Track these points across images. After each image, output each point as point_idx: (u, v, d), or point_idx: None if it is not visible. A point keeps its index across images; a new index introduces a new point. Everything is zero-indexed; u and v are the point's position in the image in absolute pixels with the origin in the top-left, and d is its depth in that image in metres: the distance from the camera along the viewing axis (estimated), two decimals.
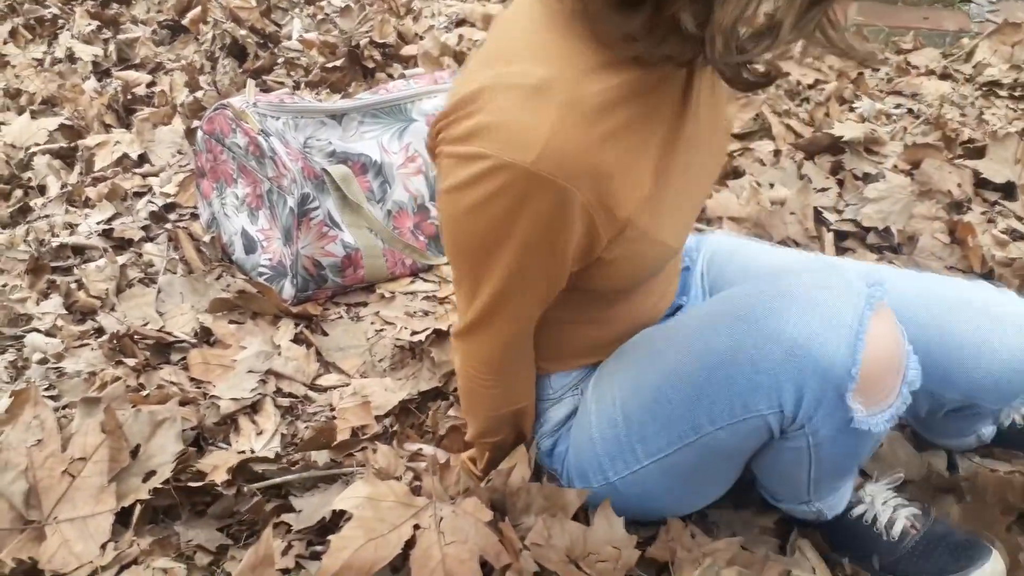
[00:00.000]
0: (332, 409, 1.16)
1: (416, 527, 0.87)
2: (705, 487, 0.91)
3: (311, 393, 1.20)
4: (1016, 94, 2.16)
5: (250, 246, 1.44)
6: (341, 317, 1.39)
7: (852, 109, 2.05)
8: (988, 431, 1.06)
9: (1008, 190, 1.69)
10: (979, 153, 1.76)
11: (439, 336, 1.27)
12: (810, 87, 2.19)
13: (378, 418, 1.13)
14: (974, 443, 1.07)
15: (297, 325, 1.34)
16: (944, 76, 2.27)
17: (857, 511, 0.91)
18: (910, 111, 2.07)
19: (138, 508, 0.94)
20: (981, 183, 1.70)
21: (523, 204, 0.67)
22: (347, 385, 1.22)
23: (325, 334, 1.34)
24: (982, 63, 2.31)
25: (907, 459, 1.05)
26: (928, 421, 1.04)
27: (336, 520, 0.93)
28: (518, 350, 0.85)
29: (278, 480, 1.00)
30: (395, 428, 1.13)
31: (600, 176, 0.67)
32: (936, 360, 0.86)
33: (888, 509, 0.90)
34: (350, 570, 0.82)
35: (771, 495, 0.94)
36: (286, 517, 0.95)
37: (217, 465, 0.99)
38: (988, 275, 1.41)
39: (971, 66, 2.33)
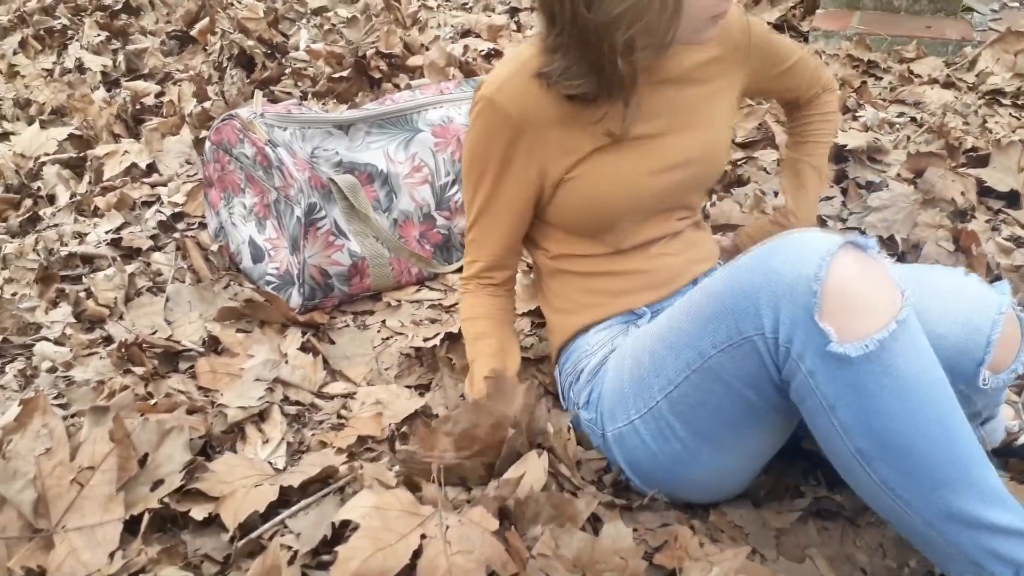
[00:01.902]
0: (340, 417, 1.17)
1: (423, 536, 0.87)
2: (713, 437, 0.92)
3: (318, 401, 1.21)
4: (1019, 102, 2.16)
5: (257, 255, 1.45)
6: (348, 325, 1.40)
7: (855, 118, 2.05)
8: (993, 434, 1.06)
9: (1012, 198, 1.69)
10: (982, 161, 1.76)
11: (453, 340, 1.28)
12: None
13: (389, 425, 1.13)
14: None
15: (304, 334, 1.34)
16: (947, 85, 2.28)
17: None
18: (913, 120, 2.08)
19: (146, 517, 0.94)
20: (985, 191, 1.70)
21: (491, 125, 1.00)
22: (353, 395, 1.22)
23: (332, 342, 1.35)
24: (985, 72, 2.32)
25: None
26: None
27: (340, 531, 0.93)
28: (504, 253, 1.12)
29: (278, 519, 0.97)
30: (403, 430, 1.13)
31: (545, 120, 0.99)
32: None
33: None
34: None
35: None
36: (289, 540, 0.94)
37: (224, 493, 0.97)
38: (995, 282, 1.41)
39: (974, 75, 2.34)
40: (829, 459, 0.84)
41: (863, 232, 1.57)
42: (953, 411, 0.78)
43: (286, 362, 1.25)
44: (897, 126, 2.03)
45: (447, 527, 0.88)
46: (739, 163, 1.79)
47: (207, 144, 1.51)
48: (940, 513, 0.77)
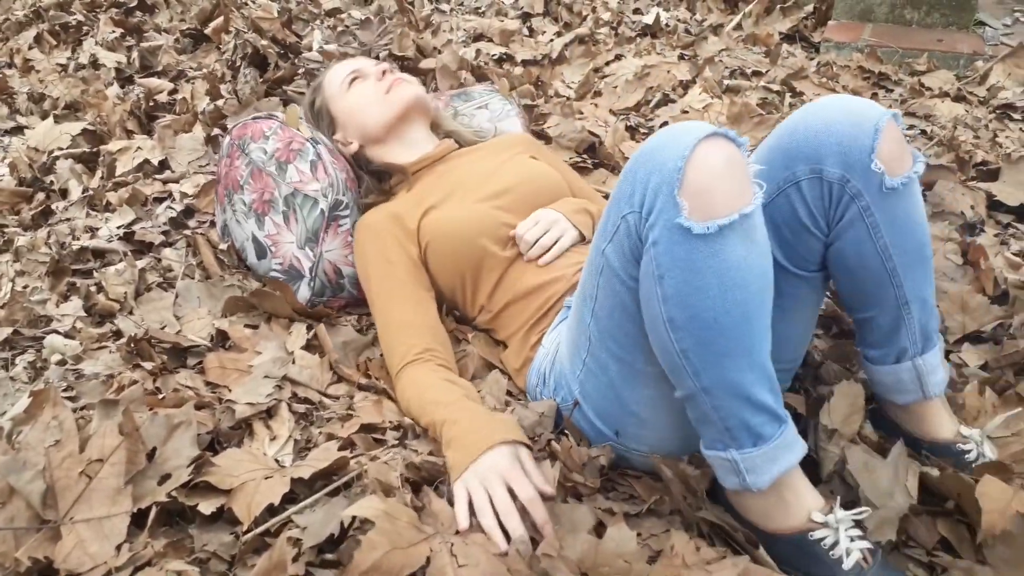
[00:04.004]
0: (348, 415, 1.17)
1: (430, 549, 0.88)
2: (637, 343, 0.97)
3: (326, 400, 1.21)
4: None
5: (260, 252, 1.46)
6: (346, 326, 1.40)
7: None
8: (934, 374, 1.06)
9: (1021, 213, 1.69)
10: (992, 175, 1.77)
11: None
12: None
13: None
14: (917, 391, 1.06)
15: (310, 328, 1.34)
16: (958, 98, 2.28)
17: (819, 534, 0.92)
18: (924, 132, 2.08)
19: (154, 510, 0.95)
20: (994, 205, 1.71)
21: (359, 242, 1.37)
22: (354, 395, 1.23)
23: (337, 338, 1.35)
24: (996, 86, 2.32)
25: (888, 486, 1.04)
26: (859, 336, 1.10)
27: (346, 530, 0.93)
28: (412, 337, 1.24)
29: (285, 515, 0.98)
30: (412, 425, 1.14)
31: (385, 219, 1.35)
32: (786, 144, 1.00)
33: (847, 539, 0.91)
34: (379, 570, 0.83)
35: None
36: (295, 532, 0.95)
37: (233, 486, 0.98)
38: (1002, 297, 1.42)
39: (985, 88, 2.34)
40: (645, 323, 0.93)
41: None
42: (761, 306, 0.89)
43: (293, 362, 1.26)
44: (907, 139, 2.03)
45: (452, 543, 0.89)
46: None
47: (226, 139, 1.52)
48: (717, 379, 0.89)
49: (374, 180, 1.49)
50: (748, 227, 0.87)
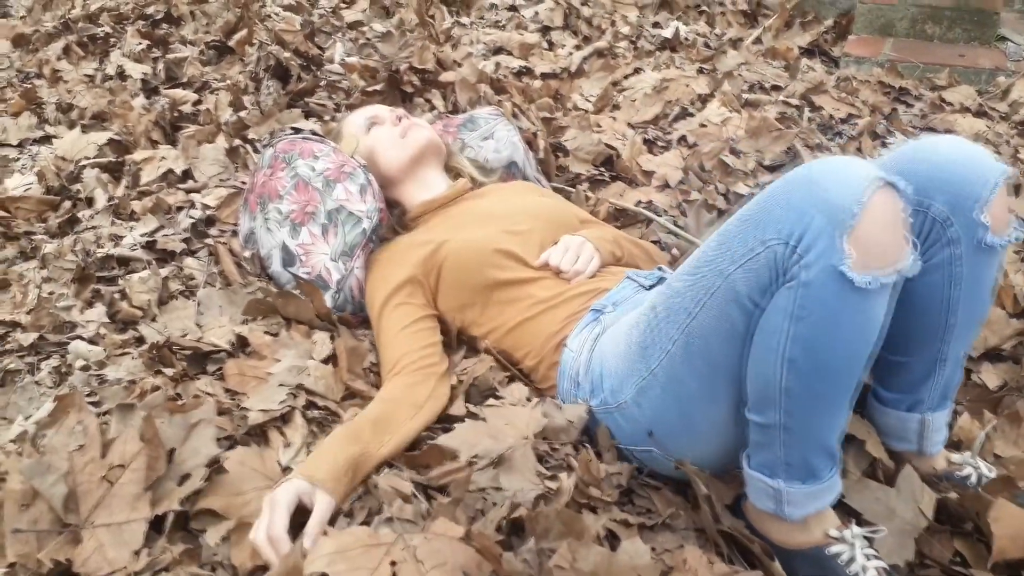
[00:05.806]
0: None
1: (393, 563, 0.87)
2: (728, 367, 0.94)
3: (340, 411, 1.22)
4: None
5: (289, 260, 1.47)
6: (364, 340, 1.41)
7: (884, 144, 2.05)
8: (938, 432, 1.06)
9: None
10: (1014, 192, 1.75)
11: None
12: (843, 122, 2.19)
13: None
14: (915, 443, 1.07)
15: (333, 338, 1.36)
16: (979, 114, 2.26)
17: (836, 549, 0.92)
18: None
19: (171, 516, 0.96)
20: None
21: (374, 275, 1.43)
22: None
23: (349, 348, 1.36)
24: (1018, 101, 2.30)
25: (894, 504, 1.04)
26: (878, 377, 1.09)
27: None
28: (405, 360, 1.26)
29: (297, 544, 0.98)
30: None
31: (408, 247, 1.40)
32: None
33: (863, 557, 0.91)
34: None
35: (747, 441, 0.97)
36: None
37: (241, 514, 0.99)
38: (1020, 315, 1.40)
39: (1007, 104, 2.32)
40: (753, 351, 0.90)
41: None
42: (871, 358, 0.88)
43: (308, 374, 1.26)
44: None
45: (415, 547, 0.88)
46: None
47: (268, 151, 1.55)
48: (805, 422, 0.88)
49: (394, 216, 1.57)
50: (897, 285, 0.86)
